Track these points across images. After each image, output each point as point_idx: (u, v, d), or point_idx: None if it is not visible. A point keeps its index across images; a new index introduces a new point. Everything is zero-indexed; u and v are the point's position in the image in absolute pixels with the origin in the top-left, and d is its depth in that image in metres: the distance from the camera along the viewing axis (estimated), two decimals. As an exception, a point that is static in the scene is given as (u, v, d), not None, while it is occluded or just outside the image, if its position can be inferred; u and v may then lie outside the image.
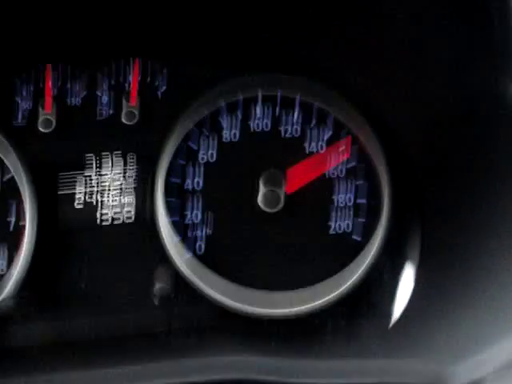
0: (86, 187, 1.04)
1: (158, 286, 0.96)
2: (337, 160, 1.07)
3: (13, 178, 1.01)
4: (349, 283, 1.01)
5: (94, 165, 1.05)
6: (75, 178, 1.04)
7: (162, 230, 1.00)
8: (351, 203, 1.07)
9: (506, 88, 0.85)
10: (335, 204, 1.06)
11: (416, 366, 0.80)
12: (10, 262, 0.99)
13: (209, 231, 1.03)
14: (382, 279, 1.03)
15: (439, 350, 0.83)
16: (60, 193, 1.04)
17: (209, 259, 1.02)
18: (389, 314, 1.00)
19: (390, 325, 0.98)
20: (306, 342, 0.94)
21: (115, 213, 1.04)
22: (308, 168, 1.06)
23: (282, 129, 1.09)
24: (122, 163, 1.05)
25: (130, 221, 1.04)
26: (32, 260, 0.97)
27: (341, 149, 1.07)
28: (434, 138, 1.03)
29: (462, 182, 0.98)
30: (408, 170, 1.07)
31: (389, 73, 1.03)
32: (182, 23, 1.02)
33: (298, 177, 1.05)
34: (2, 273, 0.99)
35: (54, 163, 1.04)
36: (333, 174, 1.07)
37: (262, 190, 1.03)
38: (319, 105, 1.08)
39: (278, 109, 1.09)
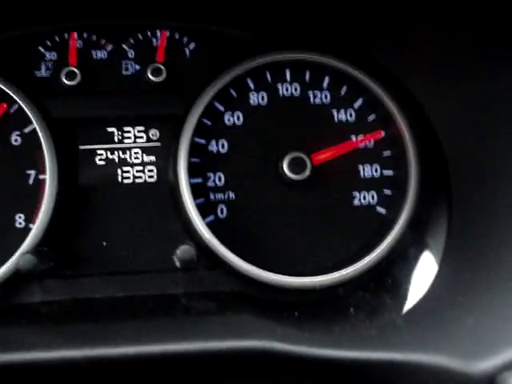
0: (108, 143, 1.02)
1: (179, 247, 0.93)
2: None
3: (34, 129, 0.98)
4: (372, 256, 0.99)
5: (118, 121, 1.02)
6: (97, 133, 1.02)
7: (184, 190, 0.98)
8: (378, 174, 1.05)
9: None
10: (361, 174, 1.04)
11: (439, 346, 0.79)
12: (30, 216, 0.97)
13: (232, 195, 1.02)
14: (406, 255, 1.00)
15: (464, 330, 0.82)
16: (81, 147, 1.02)
17: (231, 223, 1.00)
18: (413, 290, 0.98)
19: (415, 302, 0.95)
20: (330, 313, 0.93)
21: (137, 171, 1.02)
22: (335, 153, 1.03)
23: (311, 94, 1.06)
24: (146, 120, 1.03)
25: (152, 180, 1.01)
26: (52, 215, 0.95)
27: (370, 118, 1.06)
28: (465, 114, 0.99)
29: (491, 159, 0.96)
30: (436, 144, 1.04)
31: (418, 49, 1.00)
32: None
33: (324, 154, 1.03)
34: (21, 226, 0.97)
35: (76, 117, 1.02)
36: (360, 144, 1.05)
37: (288, 154, 1.00)
38: (349, 71, 1.05)
39: (308, 73, 1.06)
